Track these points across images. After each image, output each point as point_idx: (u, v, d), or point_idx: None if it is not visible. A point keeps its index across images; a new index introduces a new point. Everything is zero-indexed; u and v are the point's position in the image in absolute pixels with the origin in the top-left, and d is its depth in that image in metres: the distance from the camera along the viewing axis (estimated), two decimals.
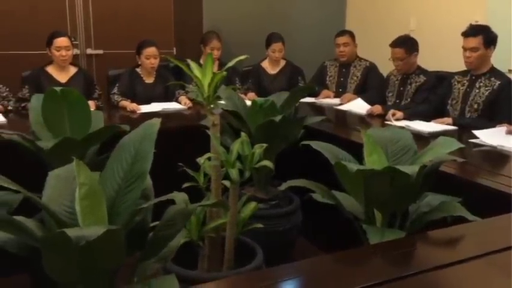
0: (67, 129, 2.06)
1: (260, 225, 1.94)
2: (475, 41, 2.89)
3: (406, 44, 3.33)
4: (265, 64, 4.09)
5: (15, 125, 2.81)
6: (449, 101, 3.09)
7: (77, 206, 1.26)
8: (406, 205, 1.70)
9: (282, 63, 4.08)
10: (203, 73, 1.85)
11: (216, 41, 3.88)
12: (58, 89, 1.99)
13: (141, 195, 1.35)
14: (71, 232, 1.04)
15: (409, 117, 3.05)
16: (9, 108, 3.13)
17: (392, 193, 1.58)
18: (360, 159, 1.86)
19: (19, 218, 1.26)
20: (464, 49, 2.95)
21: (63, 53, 3.21)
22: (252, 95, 3.77)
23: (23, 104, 3.17)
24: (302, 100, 3.21)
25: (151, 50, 3.49)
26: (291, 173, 2.14)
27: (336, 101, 3.78)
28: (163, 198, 1.33)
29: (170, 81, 3.64)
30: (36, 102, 2.19)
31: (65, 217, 1.30)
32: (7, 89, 3.18)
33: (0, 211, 1.50)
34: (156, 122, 1.43)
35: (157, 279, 1.24)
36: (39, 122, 2.13)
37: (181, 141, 2.69)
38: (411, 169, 1.48)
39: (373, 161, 1.62)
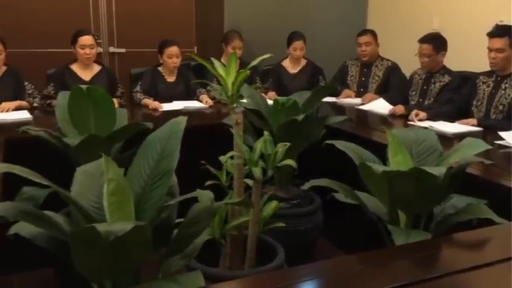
0: (92, 126, 2.09)
1: (282, 224, 1.94)
2: (500, 42, 2.84)
3: (435, 41, 3.28)
4: (286, 63, 4.08)
5: (40, 122, 2.86)
6: (474, 102, 3.05)
7: (104, 202, 1.28)
8: (431, 207, 1.68)
9: (303, 62, 4.07)
10: (227, 72, 1.86)
11: (238, 40, 3.89)
12: (84, 86, 2.02)
13: (166, 193, 1.37)
14: (100, 227, 1.06)
15: (432, 117, 3.01)
16: (35, 105, 3.19)
17: (418, 194, 1.56)
18: (382, 159, 1.85)
19: (48, 213, 1.29)
20: (490, 50, 2.90)
21: (88, 51, 3.26)
22: (272, 94, 3.77)
23: (48, 101, 3.23)
24: (323, 100, 3.20)
25: (173, 49, 3.53)
26: (311, 172, 2.14)
27: (357, 100, 3.75)
28: (189, 195, 1.34)
29: (191, 80, 3.67)
30: (62, 99, 2.22)
31: (92, 212, 1.32)
32: (32, 86, 3.24)
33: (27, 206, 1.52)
34: (182, 120, 1.44)
35: (184, 275, 1.25)
36: (65, 119, 2.17)
37: (202, 139, 2.71)
38: (438, 170, 1.46)
39: (398, 161, 1.60)
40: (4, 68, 3.14)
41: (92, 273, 1.24)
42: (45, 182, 1.21)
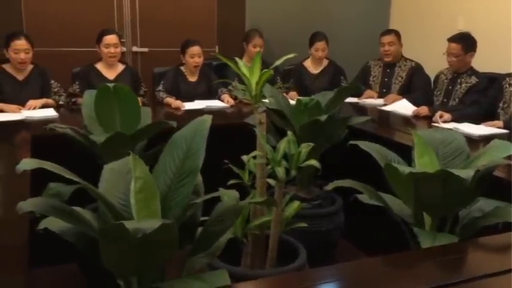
0: (117, 124, 2.12)
1: (304, 225, 1.94)
2: None
3: (465, 41, 3.22)
4: (307, 63, 4.07)
5: (66, 120, 2.91)
6: (500, 104, 2.99)
7: (131, 199, 1.29)
8: (457, 209, 1.66)
9: (325, 62, 4.05)
10: (251, 71, 1.86)
11: (259, 38, 3.90)
12: (110, 85, 2.05)
13: (192, 191, 1.38)
14: (128, 224, 1.07)
15: (457, 119, 2.97)
16: (60, 103, 3.24)
17: (445, 197, 1.54)
18: (406, 160, 1.83)
19: (76, 209, 1.31)
20: None
21: (112, 50, 3.30)
22: (293, 94, 3.76)
23: (73, 100, 3.28)
24: (345, 100, 3.18)
25: (195, 49, 3.55)
26: (332, 173, 2.13)
27: (380, 101, 3.72)
28: (215, 194, 1.35)
29: (213, 79, 3.69)
30: (88, 98, 2.26)
31: (119, 209, 1.34)
32: (58, 85, 3.30)
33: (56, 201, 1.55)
34: (208, 119, 1.45)
35: (209, 273, 1.26)
36: (91, 117, 2.20)
37: (223, 138, 2.71)
38: (466, 173, 1.44)
39: (424, 163, 1.58)
40: (31, 67, 3.21)
41: (119, 269, 1.25)
42: (75, 178, 1.23)
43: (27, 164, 1.23)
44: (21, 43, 3.07)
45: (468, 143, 1.96)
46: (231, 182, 1.98)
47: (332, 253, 2.64)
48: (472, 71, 3.29)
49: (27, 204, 1.20)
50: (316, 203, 2.58)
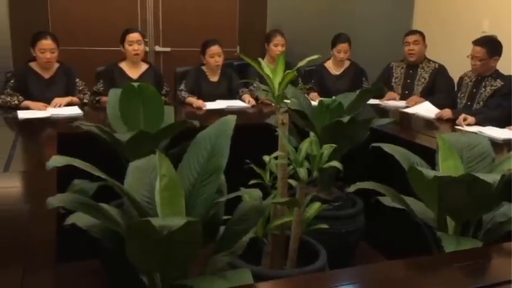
0: (141, 123, 2.15)
1: (325, 226, 1.94)
2: None
3: (490, 45, 3.16)
4: (329, 64, 4.05)
5: (90, 117, 2.95)
6: None
7: (156, 197, 1.31)
8: (482, 214, 1.63)
9: (346, 63, 4.03)
10: (274, 72, 1.87)
11: (279, 36, 3.90)
12: (135, 84, 2.08)
13: (215, 190, 1.39)
14: (155, 221, 1.09)
15: (481, 122, 2.92)
16: (85, 101, 3.30)
17: (469, 201, 1.52)
18: (429, 163, 1.81)
19: (103, 205, 1.34)
20: None
21: (136, 46, 3.34)
22: (314, 95, 3.76)
23: (97, 98, 3.34)
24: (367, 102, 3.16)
25: (214, 49, 3.57)
26: (352, 175, 2.12)
27: (402, 103, 3.68)
28: (238, 193, 1.36)
29: (234, 80, 3.70)
30: (114, 96, 2.29)
31: (144, 206, 1.36)
32: (83, 83, 3.36)
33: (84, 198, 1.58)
34: (232, 119, 1.46)
35: (232, 271, 1.27)
36: (115, 115, 2.24)
37: (243, 139, 2.73)
38: (492, 177, 1.42)
39: (449, 166, 1.57)
40: (57, 65, 3.27)
41: (144, 264, 1.28)
42: (102, 175, 1.26)
43: (57, 160, 1.26)
44: (47, 43, 3.13)
45: (492, 147, 1.94)
46: (252, 182, 1.99)
47: (351, 256, 2.63)
48: (497, 74, 3.23)
49: (56, 200, 1.23)
50: (336, 205, 2.57)
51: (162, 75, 3.64)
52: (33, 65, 3.22)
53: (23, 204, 1.67)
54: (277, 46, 3.85)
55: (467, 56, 3.23)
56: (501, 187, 1.56)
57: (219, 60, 3.61)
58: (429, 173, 1.49)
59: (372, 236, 2.82)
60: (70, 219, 1.33)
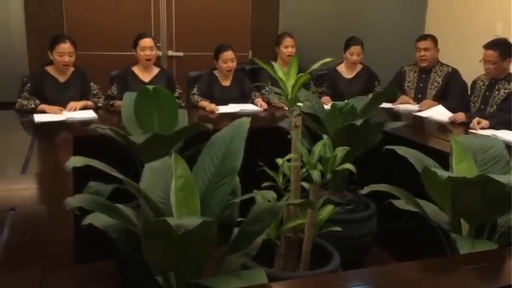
0: (156, 125, 2.18)
1: (339, 229, 1.94)
2: None
3: (501, 48, 3.15)
4: (341, 68, 4.05)
5: (105, 121, 3.00)
6: None
7: (172, 197, 1.33)
8: (496, 216, 1.62)
9: (359, 67, 4.03)
10: (287, 75, 1.88)
11: (289, 37, 3.92)
12: (150, 87, 2.11)
13: (230, 191, 1.41)
14: (171, 221, 1.11)
15: (494, 126, 2.90)
16: (99, 105, 3.34)
17: (484, 203, 1.51)
18: (442, 166, 1.80)
19: (119, 206, 1.36)
20: None
21: (148, 52, 3.39)
22: (327, 98, 3.76)
23: (111, 102, 3.38)
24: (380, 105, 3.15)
25: (228, 54, 3.60)
26: (364, 177, 2.12)
27: (415, 107, 3.67)
28: (252, 194, 1.38)
29: (246, 84, 3.72)
30: (128, 99, 2.33)
31: (160, 207, 1.38)
32: (97, 87, 3.41)
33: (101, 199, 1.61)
34: (247, 121, 1.48)
35: (247, 271, 1.28)
36: (130, 118, 2.27)
37: (256, 142, 2.74)
38: (507, 178, 1.41)
39: (462, 169, 1.56)
40: (72, 69, 3.32)
41: (159, 264, 1.29)
42: (120, 176, 1.28)
43: (76, 161, 1.29)
44: (65, 46, 3.18)
45: (506, 149, 1.92)
46: (265, 184, 2.00)
47: (364, 259, 2.62)
48: (510, 77, 3.21)
49: (75, 200, 1.25)
50: (349, 208, 2.57)
51: (173, 78, 3.68)
52: (49, 69, 3.27)
53: (40, 205, 1.70)
54: (287, 48, 3.88)
55: (479, 61, 3.22)
56: None
57: (232, 65, 3.63)
58: (443, 174, 1.49)
59: (384, 239, 2.81)
60: (87, 219, 1.35)
